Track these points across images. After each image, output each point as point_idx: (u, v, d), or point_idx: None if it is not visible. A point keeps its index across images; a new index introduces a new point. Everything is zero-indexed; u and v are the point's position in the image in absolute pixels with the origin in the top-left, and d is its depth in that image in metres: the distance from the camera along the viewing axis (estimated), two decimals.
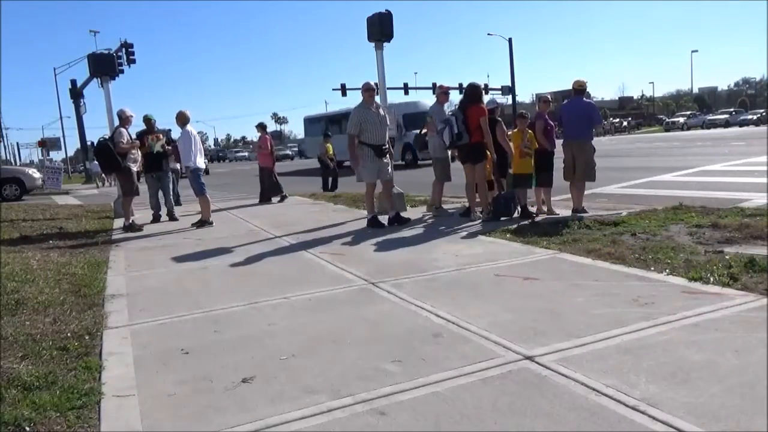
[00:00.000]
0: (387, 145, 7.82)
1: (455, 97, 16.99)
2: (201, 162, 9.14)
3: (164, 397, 2.74)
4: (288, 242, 6.97)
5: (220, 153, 74.81)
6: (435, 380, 2.72)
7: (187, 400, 2.71)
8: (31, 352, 3.37)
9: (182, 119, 9.03)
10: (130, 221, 8.78)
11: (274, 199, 12.34)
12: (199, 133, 10.26)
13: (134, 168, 9.00)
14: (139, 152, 9.20)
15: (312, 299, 4.31)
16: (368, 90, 7.73)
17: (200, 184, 9.00)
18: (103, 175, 31.62)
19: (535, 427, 2.25)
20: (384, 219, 7.80)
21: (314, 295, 4.40)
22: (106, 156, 8.77)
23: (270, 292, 4.55)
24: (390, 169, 7.97)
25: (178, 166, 10.77)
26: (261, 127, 12.93)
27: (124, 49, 30.55)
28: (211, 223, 8.86)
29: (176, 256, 6.45)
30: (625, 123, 59.82)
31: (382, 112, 7.83)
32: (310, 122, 34.08)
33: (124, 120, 9.00)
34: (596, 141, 7.93)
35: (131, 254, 6.78)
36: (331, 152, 14.97)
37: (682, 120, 52.03)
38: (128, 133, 8.96)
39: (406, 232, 7.14)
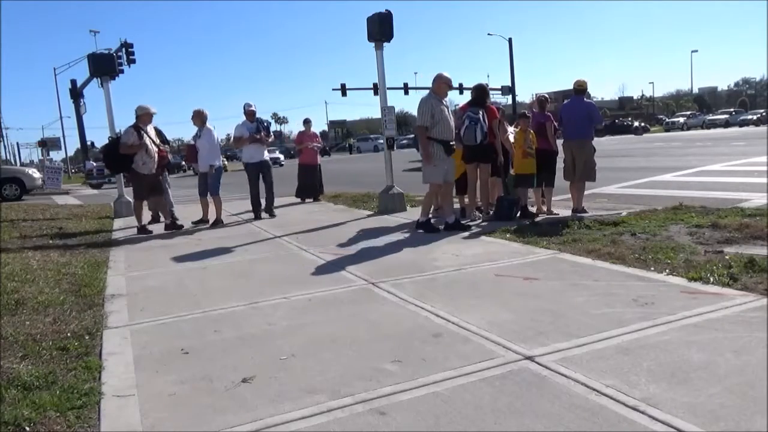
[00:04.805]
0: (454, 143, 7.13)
1: (455, 97, 16.96)
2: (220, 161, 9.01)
3: (164, 397, 2.74)
4: (288, 242, 6.97)
5: (228, 152, 72.90)
6: (435, 380, 2.72)
7: (187, 400, 2.71)
8: (31, 352, 3.37)
9: (202, 118, 8.72)
10: (142, 224, 8.39)
11: (295, 200, 11.98)
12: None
13: (143, 171, 8.28)
14: (152, 150, 8.36)
15: (312, 299, 4.31)
16: (448, 83, 7.02)
17: (218, 184, 8.87)
18: (89, 176, 31.44)
19: (535, 427, 2.25)
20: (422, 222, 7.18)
21: (314, 295, 4.40)
22: (110, 156, 8.40)
23: (270, 292, 4.55)
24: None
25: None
26: (304, 122, 12.53)
27: (124, 49, 30.66)
28: (222, 222, 8.87)
29: (176, 256, 6.45)
30: (636, 124, 47.93)
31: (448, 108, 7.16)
32: None
33: (140, 117, 8.29)
34: (596, 141, 7.94)
35: (131, 254, 6.78)
36: None
37: (682, 120, 51.97)
38: (142, 132, 8.22)
39: (407, 233, 7.14)
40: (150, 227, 8.62)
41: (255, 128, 9.29)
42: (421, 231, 7.05)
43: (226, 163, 38.46)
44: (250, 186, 9.47)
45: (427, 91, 7.22)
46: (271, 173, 9.67)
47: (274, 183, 9.76)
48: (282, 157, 40.99)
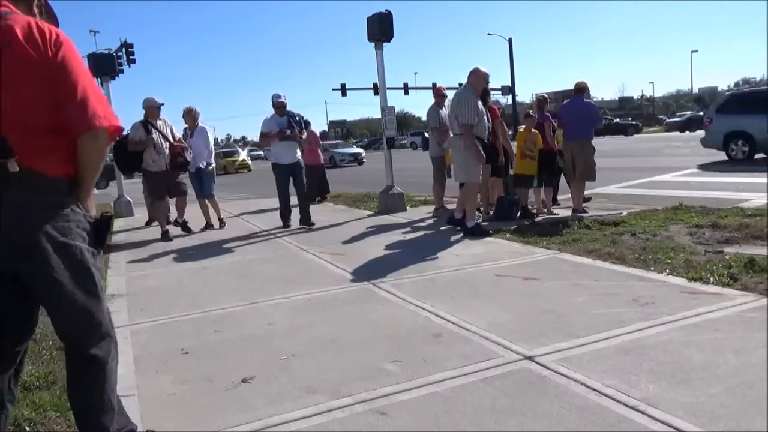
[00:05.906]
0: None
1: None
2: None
3: (164, 397, 2.74)
4: (288, 242, 6.97)
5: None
6: (435, 380, 2.72)
7: (187, 400, 2.71)
8: (31, 352, 3.35)
9: (193, 116, 8.35)
10: (165, 228, 7.80)
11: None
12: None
13: (153, 169, 7.62)
14: (162, 146, 7.59)
15: (312, 299, 4.31)
16: (485, 79, 6.64)
17: (213, 185, 8.53)
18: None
19: (535, 427, 2.25)
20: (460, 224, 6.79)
21: (314, 295, 4.40)
22: (120, 155, 7.69)
23: (270, 292, 4.55)
24: None
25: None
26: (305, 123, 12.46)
27: (124, 49, 30.58)
28: (222, 222, 8.71)
29: (176, 256, 6.45)
30: (633, 121, 46.75)
31: None
32: None
33: (147, 111, 7.63)
34: (595, 141, 7.93)
35: (131, 254, 6.78)
36: None
37: (682, 120, 51.86)
38: (149, 127, 7.51)
39: (407, 233, 7.14)
40: (151, 228, 8.45)
41: (286, 123, 7.98)
42: (470, 237, 6.40)
43: (248, 160, 36.68)
44: (278, 191, 8.13)
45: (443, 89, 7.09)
46: (302, 176, 8.15)
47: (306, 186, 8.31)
48: (362, 152, 33.47)
